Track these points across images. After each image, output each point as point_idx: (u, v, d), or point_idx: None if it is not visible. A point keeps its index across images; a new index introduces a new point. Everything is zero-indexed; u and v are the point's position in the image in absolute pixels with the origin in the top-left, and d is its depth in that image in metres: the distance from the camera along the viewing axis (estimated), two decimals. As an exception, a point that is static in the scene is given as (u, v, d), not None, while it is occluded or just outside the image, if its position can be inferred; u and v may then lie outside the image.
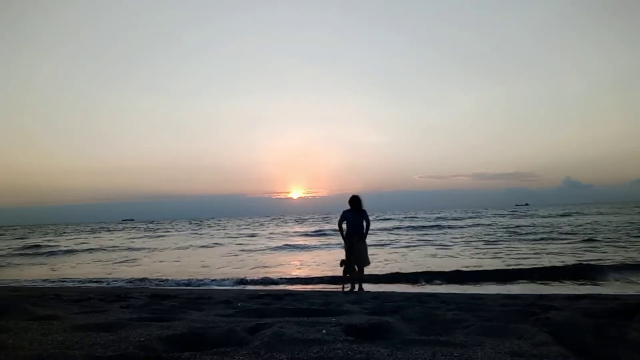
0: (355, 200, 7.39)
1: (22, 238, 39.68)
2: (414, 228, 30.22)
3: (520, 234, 21.37)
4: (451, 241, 19.33)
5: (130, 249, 22.53)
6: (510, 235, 20.87)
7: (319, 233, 29.71)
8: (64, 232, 52.47)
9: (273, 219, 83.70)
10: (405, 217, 49.85)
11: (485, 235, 21.99)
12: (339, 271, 7.63)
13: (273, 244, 22.65)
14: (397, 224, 35.95)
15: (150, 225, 68.78)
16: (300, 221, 58.98)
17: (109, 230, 54.00)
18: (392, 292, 7.70)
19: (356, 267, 7.38)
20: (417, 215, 54.70)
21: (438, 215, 52.78)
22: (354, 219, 7.34)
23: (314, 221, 56.06)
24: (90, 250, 22.75)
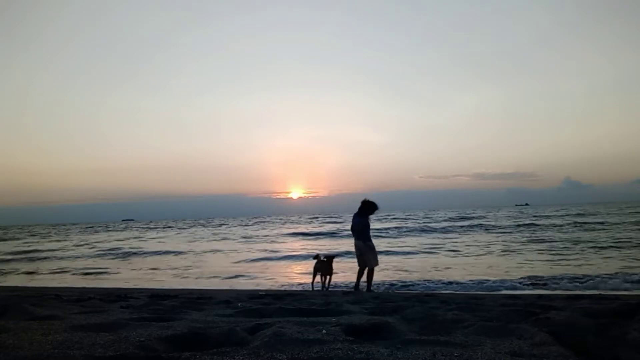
0: (361, 205, 7.72)
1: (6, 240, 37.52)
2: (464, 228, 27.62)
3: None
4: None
5: (130, 253, 20.46)
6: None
7: (331, 235, 27.62)
8: (60, 233, 50.89)
9: (275, 219, 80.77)
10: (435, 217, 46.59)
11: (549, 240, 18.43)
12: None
13: (286, 247, 21.31)
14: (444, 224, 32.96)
15: (151, 225, 67.97)
16: (305, 222, 55.99)
17: (107, 230, 52.94)
18: (392, 291, 7.72)
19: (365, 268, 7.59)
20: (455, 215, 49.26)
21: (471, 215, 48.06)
22: (356, 224, 7.66)
23: (318, 221, 53.22)
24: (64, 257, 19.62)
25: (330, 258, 7.77)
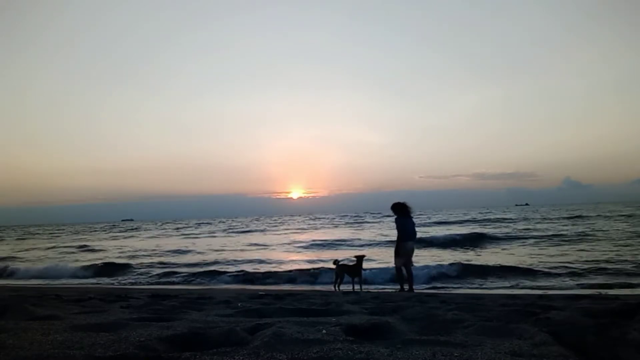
0: (405, 207, 8.04)
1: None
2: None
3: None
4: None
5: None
6: None
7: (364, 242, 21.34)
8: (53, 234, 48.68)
9: (281, 219, 76.62)
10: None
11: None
12: None
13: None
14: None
15: (151, 226, 66.28)
16: (313, 222, 49.80)
17: (102, 231, 50.73)
18: (392, 291, 7.72)
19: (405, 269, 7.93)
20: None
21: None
22: (410, 225, 7.97)
23: (333, 223, 46.47)
24: None
25: (359, 258, 7.98)
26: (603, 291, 6.99)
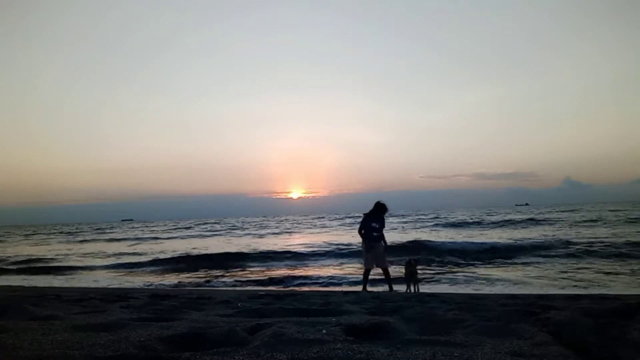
0: (379, 207, 7.95)
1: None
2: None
3: None
4: None
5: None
6: None
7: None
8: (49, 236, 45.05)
9: (290, 219, 73.28)
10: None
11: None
12: None
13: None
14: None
15: (151, 226, 65.13)
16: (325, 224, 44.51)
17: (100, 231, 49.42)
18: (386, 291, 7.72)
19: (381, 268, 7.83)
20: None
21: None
22: (380, 226, 7.86)
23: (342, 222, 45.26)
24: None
25: (415, 262, 7.82)
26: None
